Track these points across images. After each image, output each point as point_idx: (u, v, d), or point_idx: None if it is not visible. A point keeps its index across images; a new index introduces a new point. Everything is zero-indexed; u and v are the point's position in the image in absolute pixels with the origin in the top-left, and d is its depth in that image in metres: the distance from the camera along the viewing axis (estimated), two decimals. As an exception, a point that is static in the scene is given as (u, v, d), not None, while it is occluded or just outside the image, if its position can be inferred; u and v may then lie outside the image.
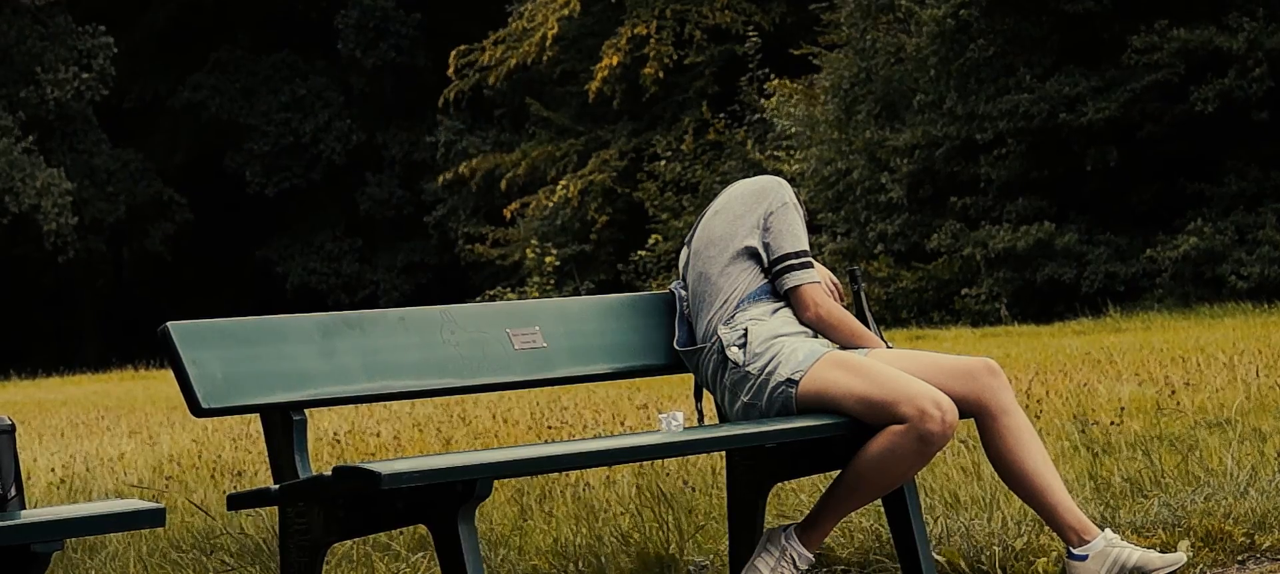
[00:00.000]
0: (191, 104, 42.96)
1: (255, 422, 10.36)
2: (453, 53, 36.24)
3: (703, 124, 32.68)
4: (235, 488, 7.42)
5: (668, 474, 6.23)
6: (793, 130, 29.10)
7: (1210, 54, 23.56)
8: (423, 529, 5.50)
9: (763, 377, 4.71)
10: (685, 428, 4.60)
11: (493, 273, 36.29)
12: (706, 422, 5.03)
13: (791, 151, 29.34)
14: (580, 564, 5.20)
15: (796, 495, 5.98)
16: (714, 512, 5.71)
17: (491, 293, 33.28)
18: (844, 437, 4.67)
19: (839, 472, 4.75)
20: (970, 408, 4.70)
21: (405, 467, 3.79)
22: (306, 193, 42.81)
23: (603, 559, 5.20)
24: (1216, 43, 23.38)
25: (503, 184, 35.43)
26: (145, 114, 43.96)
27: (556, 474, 6.53)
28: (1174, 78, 23.67)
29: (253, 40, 44.07)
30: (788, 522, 5.53)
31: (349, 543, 5.47)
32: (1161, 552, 4.85)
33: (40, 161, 38.49)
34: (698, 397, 5.03)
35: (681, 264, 5.01)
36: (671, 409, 8.92)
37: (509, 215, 35.19)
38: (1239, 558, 5.11)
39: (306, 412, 4.21)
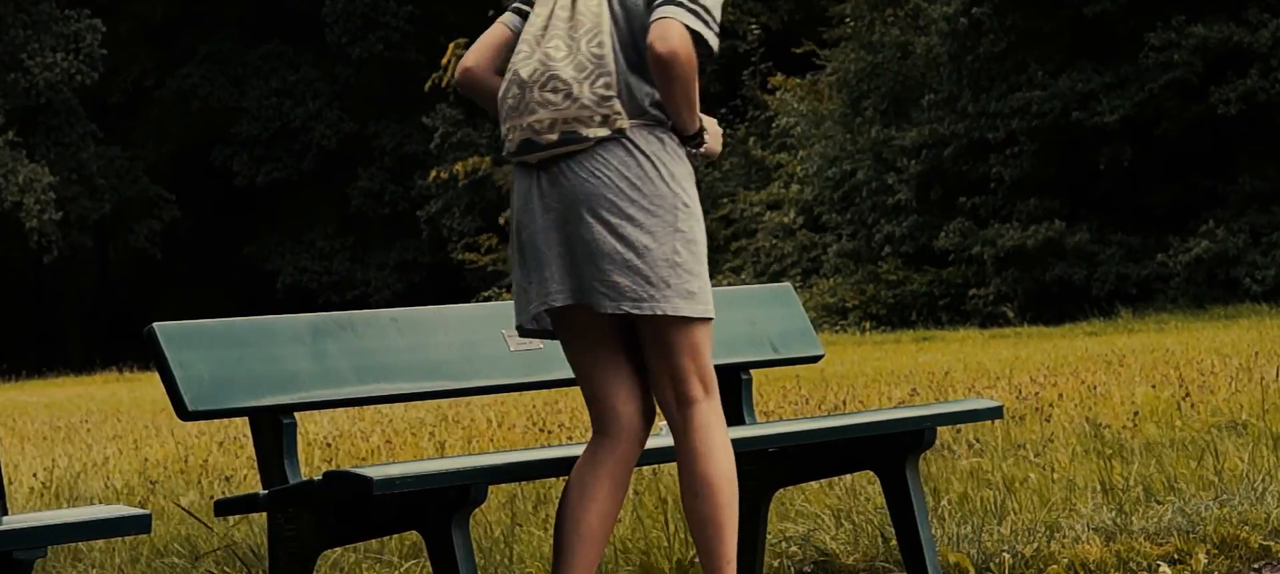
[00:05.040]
0: (180, 94, 42.88)
1: (244, 425, 10.24)
2: (451, 45, 36.15)
3: (703, 123, 32.60)
4: (223, 493, 7.30)
5: (668, 479, 6.12)
6: (797, 127, 29.05)
7: (1229, 51, 23.47)
8: (415, 536, 5.40)
9: None
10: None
11: (488, 273, 36.22)
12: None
13: (794, 151, 29.32)
14: (578, 572, 5.08)
15: (799, 500, 5.87)
16: (715, 518, 5.59)
17: (486, 294, 33.17)
18: (848, 441, 4.56)
19: (841, 477, 4.64)
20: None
21: (398, 472, 3.76)
22: (297, 186, 42.72)
23: (601, 567, 5.09)
24: (1236, 39, 23.27)
25: (504, 200, 35.34)
26: (131, 106, 43.85)
27: (553, 479, 6.41)
28: (1192, 77, 23.57)
29: (242, 31, 44.01)
30: (788, 531, 5.43)
31: (340, 550, 5.37)
32: (1171, 562, 4.75)
33: (22, 157, 38.24)
34: None
35: None
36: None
37: (504, 221, 35.09)
38: (1255, 565, 5.03)
39: (296, 415, 4.12)
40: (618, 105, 3.84)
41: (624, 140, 3.83)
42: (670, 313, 3.81)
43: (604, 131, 3.83)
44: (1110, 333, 18.69)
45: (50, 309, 44.24)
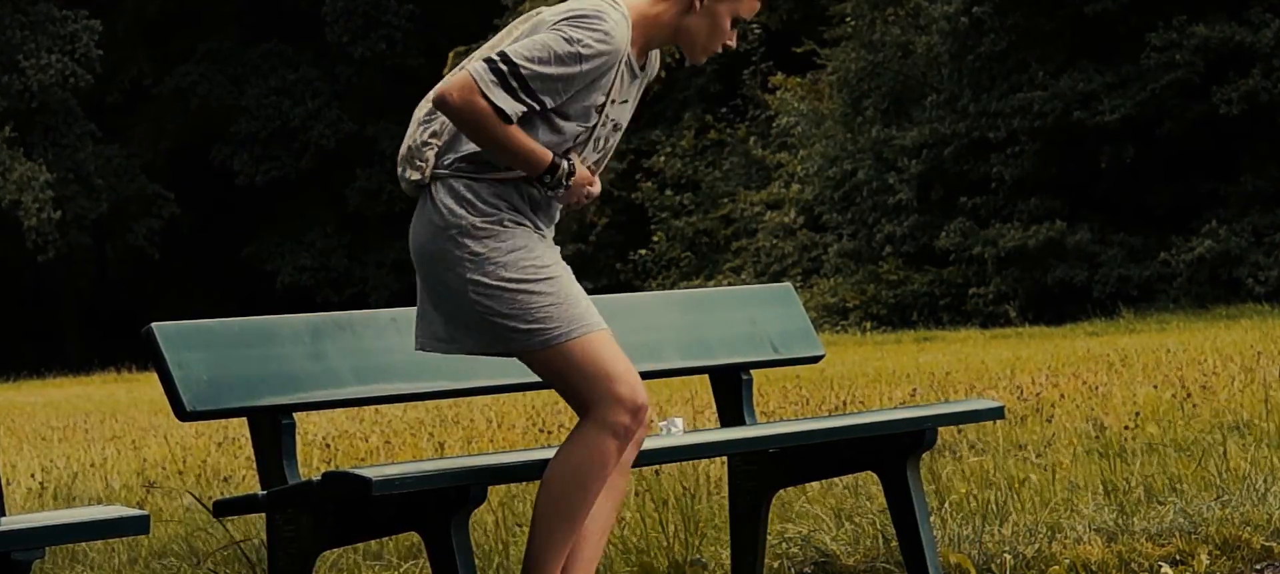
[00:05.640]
0: (178, 93, 42.83)
1: (243, 425, 10.21)
2: (451, 54, 36.13)
3: (704, 123, 32.58)
4: (222, 494, 7.28)
5: (668, 480, 6.10)
6: (797, 127, 29.02)
7: (1231, 51, 23.45)
8: (415, 536, 5.38)
9: None
10: (685, 432, 4.49)
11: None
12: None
13: (795, 151, 29.29)
14: (578, 573, 5.06)
15: (799, 501, 5.85)
16: (716, 518, 5.59)
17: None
18: (849, 441, 4.55)
19: (842, 477, 4.63)
20: None
21: (397, 472, 3.75)
22: (295, 185, 42.68)
23: (602, 568, 5.07)
24: (1238, 39, 23.25)
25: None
26: (129, 105, 43.78)
27: (552, 479, 6.39)
28: (1194, 77, 23.54)
29: (241, 30, 43.96)
30: (788, 531, 5.41)
31: (339, 550, 5.35)
32: (1173, 563, 4.73)
33: (20, 155, 38.13)
34: None
35: None
36: (671, 414, 8.79)
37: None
38: (1257, 566, 5.01)
39: (295, 415, 4.10)
40: (430, 154, 3.91)
41: (428, 190, 3.94)
42: (481, 351, 3.91)
43: (417, 176, 3.94)
44: (1112, 333, 18.68)
45: (48, 309, 44.15)
